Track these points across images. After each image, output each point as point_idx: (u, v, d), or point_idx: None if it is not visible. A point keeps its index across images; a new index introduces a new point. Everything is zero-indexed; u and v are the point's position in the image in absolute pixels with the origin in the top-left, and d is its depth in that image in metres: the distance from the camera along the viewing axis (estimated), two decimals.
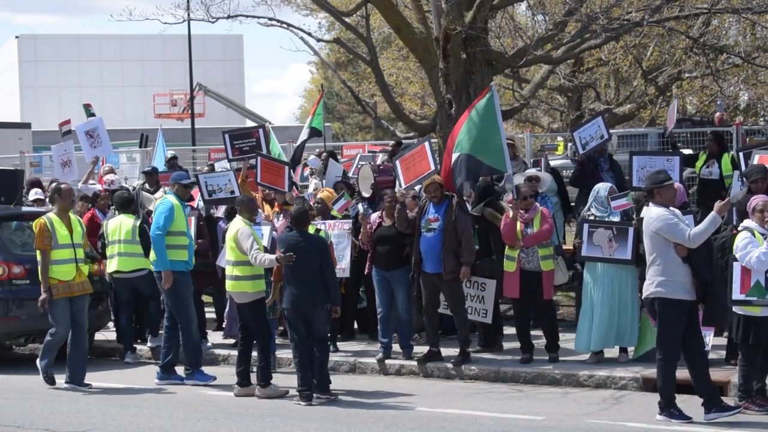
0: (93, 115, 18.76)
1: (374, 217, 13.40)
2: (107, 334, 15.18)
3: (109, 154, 18.25)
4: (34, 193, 16.39)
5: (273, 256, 11.38)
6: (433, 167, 12.94)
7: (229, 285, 11.90)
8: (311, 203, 13.96)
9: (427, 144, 13.24)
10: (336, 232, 13.52)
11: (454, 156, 12.69)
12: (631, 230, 12.04)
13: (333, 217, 13.93)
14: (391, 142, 18.67)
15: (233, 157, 15.50)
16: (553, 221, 13.00)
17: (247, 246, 11.47)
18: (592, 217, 12.33)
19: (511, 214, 12.43)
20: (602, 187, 12.52)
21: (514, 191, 12.61)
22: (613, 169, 14.91)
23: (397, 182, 13.85)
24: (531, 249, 12.40)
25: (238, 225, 11.73)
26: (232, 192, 14.64)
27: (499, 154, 12.51)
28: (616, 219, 12.20)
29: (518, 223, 12.39)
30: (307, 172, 18.12)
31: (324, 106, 23.64)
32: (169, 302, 12.63)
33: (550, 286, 12.51)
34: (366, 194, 14.61)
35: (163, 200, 12.89)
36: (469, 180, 13.26)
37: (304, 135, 18.09)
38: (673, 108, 15.86)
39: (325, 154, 17.95)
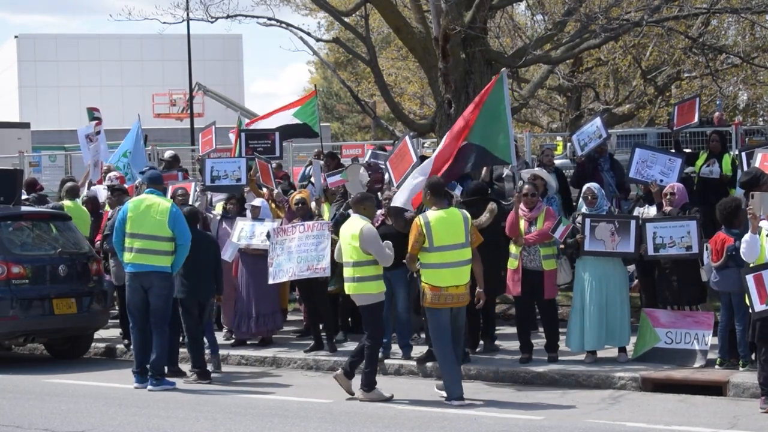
0: (96, 119, 18.87)
1: (377, 214, 13.31)
2: (103, 333, 15.20)
3: (105, 158, 18.42)
4: (24, 195, 16.34)
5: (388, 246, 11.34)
6: (415, 160, 12.90)
7: (350, 288, 11.34)
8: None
9: (407, 138, 13.22)
10: (315, 232, 13.31)
11: (465, 144, 12.40)
12: (633, 224, 12.05)
13: (312, 218, 13.83)
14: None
15: (245, 156, 15.58)
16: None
17: (379, 246, 11.15)
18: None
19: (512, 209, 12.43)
20: (585, 188, 12.65)
21: (517, 187, 12.55)
22: (613, 168, 14.89)
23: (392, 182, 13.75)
24: (533, 248, 12.38)
25: (361, 223, 11.26)
26: (239, 180, 14.63)
27: (506, 143, 12.43)
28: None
29: (522, 222, 12.39)
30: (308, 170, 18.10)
31: (323, 106, 23.56)
32: (160, 304, 12.13)
33: (552, 285, 12.49)
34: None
35: (173, 206, 12.18)
36: (474, 170, 13.13)
37: (285, 120, 17.46)
38: (693, 105, 15.26)
39: (322, 154, 17.85)
